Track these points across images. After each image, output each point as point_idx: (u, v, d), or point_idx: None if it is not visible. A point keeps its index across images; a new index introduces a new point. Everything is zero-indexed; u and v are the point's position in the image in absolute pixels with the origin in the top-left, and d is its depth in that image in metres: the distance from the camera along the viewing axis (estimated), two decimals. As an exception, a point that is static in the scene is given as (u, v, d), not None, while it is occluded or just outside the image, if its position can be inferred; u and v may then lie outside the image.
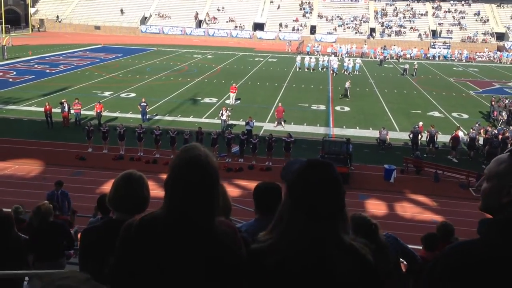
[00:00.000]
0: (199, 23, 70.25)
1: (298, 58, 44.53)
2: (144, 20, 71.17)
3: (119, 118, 24.75)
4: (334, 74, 41.00)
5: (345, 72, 41.64)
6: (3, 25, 58.92)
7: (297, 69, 42.68)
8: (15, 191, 15.27)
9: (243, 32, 68.14)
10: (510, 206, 1.67)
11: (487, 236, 1.65)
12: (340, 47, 55.02)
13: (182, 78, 36.91)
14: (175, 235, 1.90)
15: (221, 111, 23.62)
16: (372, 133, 23.41)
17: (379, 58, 50.17)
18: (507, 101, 26.91)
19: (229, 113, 23.60)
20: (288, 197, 1.83)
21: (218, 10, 71.96)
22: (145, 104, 24.44)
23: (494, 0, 70.21)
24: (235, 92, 29.11)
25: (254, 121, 22.24)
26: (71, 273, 1.34)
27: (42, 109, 23.75)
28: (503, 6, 69.87)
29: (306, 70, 42.62)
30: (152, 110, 26.28)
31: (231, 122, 23.83)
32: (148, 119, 24.54)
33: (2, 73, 36.72)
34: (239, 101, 29.44)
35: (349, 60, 43.74)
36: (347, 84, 31.87)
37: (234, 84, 29.83)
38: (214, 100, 29.78)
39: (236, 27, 69.28)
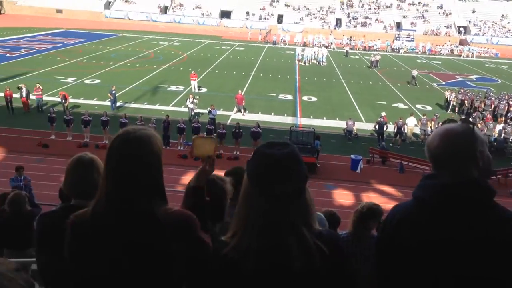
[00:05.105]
0: (164, 9, 69.02)
1: (299, 49, 44.13)
2: (108, 5, 69.34)
3: (84, 104, 24.11)
4: (323, 64, 41.55)
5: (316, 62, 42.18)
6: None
7: (302, 62, 42.04)
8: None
9: (209, 20, 67.42)
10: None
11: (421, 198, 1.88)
12: (318, 37, 55.16)
13: (148, 65, 36.25)
14: (118, 229, 1.83)
15: (188, 99, 23.35)
16: (338, 124, 23.66)
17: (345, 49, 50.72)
18: (469, 94, 27.69)
19: (197, 101, 23.37)
20: (245, 180, 1.74)
21: (185, -4, 70.98)
22: (115, 91, 23.92)
23: (456, -6, 72.05)
24: (195, 80, 28.84)
25: (216, 109, 21.92)
26: (2, 260, 1.21)
27: (2, 94, 22.91)
28: (465, 0, 71.68)
29: (308, 63, 42.03)
30: (117, 97, 25.69)
31: (198, 110, 23.61)
32: (117, 107, 24.01)
33: (-43, 56, 35.14)
34: (204, 89, 29.18)
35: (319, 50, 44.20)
36: (415, 72, 34.90)
37: (193, 72, 29.53)
38: (181, 88, 29.41)
39: (202, 14, 68.48)
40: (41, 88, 23.11)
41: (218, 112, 22.62)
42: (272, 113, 25.22)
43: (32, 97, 23.06)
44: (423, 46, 56.28)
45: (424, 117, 22.53)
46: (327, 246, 1.69)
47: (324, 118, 25.00)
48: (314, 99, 29.07)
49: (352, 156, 18.57)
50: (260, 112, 25.16)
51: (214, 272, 1.74)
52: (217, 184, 2.43)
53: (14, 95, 22.58)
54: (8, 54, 37.14)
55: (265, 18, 67.41)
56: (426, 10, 69.60)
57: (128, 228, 1.83)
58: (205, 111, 23.81)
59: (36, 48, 40.68)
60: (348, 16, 68.41)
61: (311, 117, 25.01)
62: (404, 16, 68.18)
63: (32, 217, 6.19)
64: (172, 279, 1.89)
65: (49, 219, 2.61)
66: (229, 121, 22.66)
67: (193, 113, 22.90)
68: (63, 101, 22.73)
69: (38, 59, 36.16)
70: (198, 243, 1.94)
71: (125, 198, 1.84)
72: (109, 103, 24.00)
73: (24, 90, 22.71)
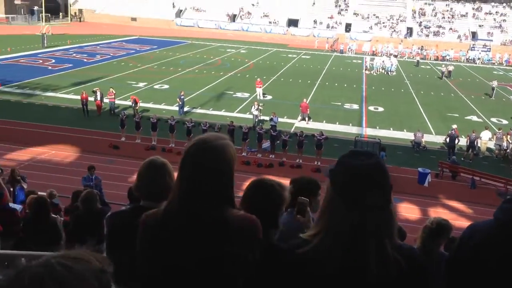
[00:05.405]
0: (233, 18, 70.34)
1: (368, 58, 43.90)
2: (179, 13, 71.73)
3: (152, 109, 24.96)
4: (391, 74, 40.65)
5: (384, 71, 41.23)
6: (43, 14, 60.28)
7: (370, 71, 41.32)
8: (51, 175, 15.60)
9: (277, 28, 67.86)
10: None
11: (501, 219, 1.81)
12: (387, 46, 53.65)
13: (215, 72, 37.00)
14: (188, 231, 1.86)
15: (253, 106, 23.53)
16: (406, 135, 22.92)
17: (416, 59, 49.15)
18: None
19: (261, 108, 23.49)
20: (328, 187, 1.74)
21: (253, 5, 71.90)
22: (184, 97, 24.59)
23: (538, 2, 67.90)
24: (261, 87, 29.04)
25: (277, 117, 21.74)
26: (88, 256, 1.07)
27: (78, 97, 24.26)
28: (548, 9, 67.47)
29: (376, 72, 41.26)
30: (185, 102, 26.42)
31: (262, 117, 23.71)
32: (185, 112, 24.65)
33: (41, 61, 37.63)
34: (269, 97, 29.30)
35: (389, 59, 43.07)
36: (495, 83, 33.34)
37: (259, 79, 29.81)
38: (246, 95, 29.72)
39: (270, 22, 69.06)
40: (114, 92, 24.20)
41: (282, 120, 22.62)
42: (337, 123, 24.86)
43: (105, 100, 24.20)
44: (499, 57, 53.44)
45: (500, 131, 21.32)
46: (406, 260, 1.66)
47: (391, 129, 24.29)
48: (380, 109, 28.37)
49: (420, 169, 17.88)
50: (324, 121, 24.88)
51: (289, 268, 1.75)
52: (275, 191, 2.38)
53: (90, 98, 23.78)
54: (85, 60, 39.31)
55: (332, 27, 66.89)
56: (504, 20, 66.12)
57: (198, 230, 1.86)
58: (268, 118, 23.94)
59: (111, 54, 42.77)
60: (420, 25, 66.37)
61: (377, 127, 24.40)
62: (480, 26, 65.15)
63: (102, 215, 6.46)
64: (237, 282, 1.90)
65: (119, 219, 2.68)
66: (292, 129, 22.58)
67: (257, 120, 23.05)
68: (134, 104, 23.66)
69: (113, 64, 37.98)
70: (262, 247, 1.96)
71: (196, 202, 1.88)
72: (176, 108, 24.71)
73: (98, 93, 23.88)
